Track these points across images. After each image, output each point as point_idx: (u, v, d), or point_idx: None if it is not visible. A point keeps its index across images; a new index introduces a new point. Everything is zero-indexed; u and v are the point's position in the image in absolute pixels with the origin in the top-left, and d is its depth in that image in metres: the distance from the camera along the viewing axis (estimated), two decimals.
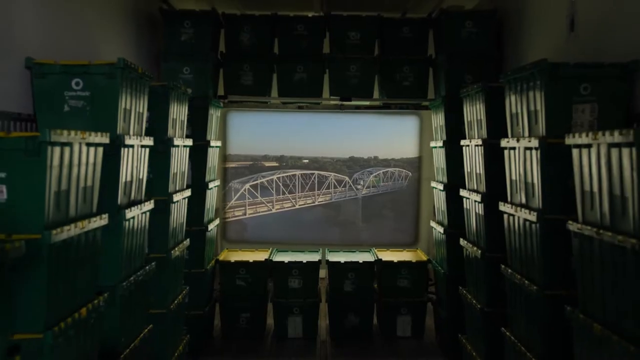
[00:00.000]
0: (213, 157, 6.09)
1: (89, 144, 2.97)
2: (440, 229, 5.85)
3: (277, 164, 8.45)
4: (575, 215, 2.97)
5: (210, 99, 5.83)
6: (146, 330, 3.97)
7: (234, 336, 6.20)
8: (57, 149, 2.64)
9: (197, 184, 5.54)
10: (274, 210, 8.55)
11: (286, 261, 6.20)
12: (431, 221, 6.36)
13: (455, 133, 5.46)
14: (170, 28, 5.92)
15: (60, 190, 2.71)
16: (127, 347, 3.58)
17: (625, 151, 2.44)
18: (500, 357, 4.17)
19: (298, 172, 8.50)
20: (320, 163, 8.46)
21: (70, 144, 2.76)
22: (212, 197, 6.10)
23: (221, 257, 6.33)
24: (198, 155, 5.55)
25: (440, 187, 5.85)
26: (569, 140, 2.94)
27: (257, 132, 8.14)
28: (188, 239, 5.08)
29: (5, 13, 3.30)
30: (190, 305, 5.32)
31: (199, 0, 6.41)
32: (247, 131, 8.09)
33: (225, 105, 6.54)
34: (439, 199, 6.01)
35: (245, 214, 8.38)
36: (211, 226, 5.97)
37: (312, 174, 8.52)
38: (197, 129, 5.59)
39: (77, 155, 2.84)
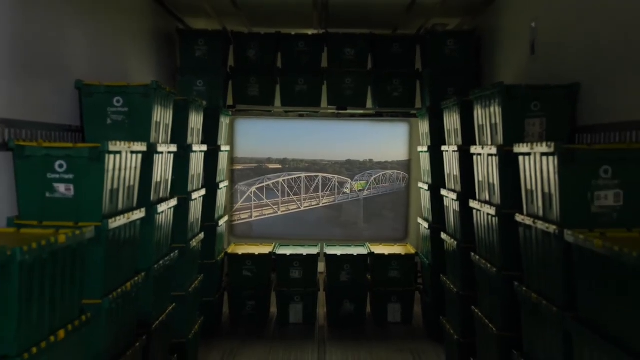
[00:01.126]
0: (223, 160, 6.86)
1: (132, 152, 3.74)
2: (426, 225, 6.62)
3: (280, 166, 9.18)
4: (522, 209, 3.74)
5: (221, 109, 6.60)
6: (170, 308, 4.74)
7: (240, 321, 6.96)
8: (112, 156, 3.42)
9: (209, 184, 6.30)
10: (279, 213, 9.22)
11: (288, 254, 6.96)
12: (418, 218, 7.13)
13: (438, 139, 6.21)
14: (186, 45, 6.70)
15: (113, 189, 3.48)
16: (157, 320, 4.35)
17: (551, 159, 3.22)
18: (472, 332, 4.94)
19: (303, 175, 9.15)
20: (320, 165, 9.19)
21: (120, 152, 3.53)
22: (222, 196, 6.87)
23: (229, 250, 7.09)
24: (210, 158, 6.30)
25: (426, 187, 6.62)
26: (516, 149, 3.71)
27: (262, 137, 8.88)
28: (202, 233, 5.86)
29: (60, 44, 4.07)
30: (203, 292, 6.07)
31: (210, 20, 7.17)
32: (253, 137, 8.84)
33: (233, 114, 7.31)
34: (425, 197, 6.78)
35: (251, 216, 9.05)
36: (221, 222, 6.74)
37: (317, 176, 9.22)
38: (209, 135, 6.32)
39: (124, 161, 3.62)
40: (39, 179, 3.32)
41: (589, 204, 3.13)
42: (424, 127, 6.81)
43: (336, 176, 9.24)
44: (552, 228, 3.18)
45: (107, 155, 3.35)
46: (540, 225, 3.35)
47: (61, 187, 3.33)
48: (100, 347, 3.35)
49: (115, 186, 3.53)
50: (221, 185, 6.70)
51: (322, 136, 8.96)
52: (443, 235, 5.84)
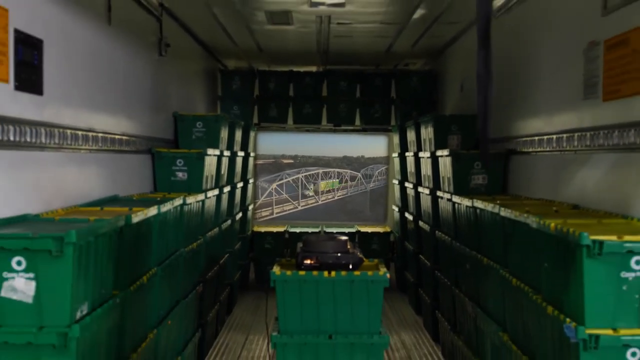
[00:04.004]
0: (251, 162, 9.74)
1: (213, 155, 6.61)
2: (397, 209, 9.50)
3: (292, 161, 11.19)
4: (440, 188, 6.62)
5: (250, 126, 9.48)
6: (226, 256, 7.58)
7: (262, 281, 9.75)
8: (207, 157, 6.29)
9: (244, 179, 9.17)
10: (300, 208, 10.94)
11: (297, 231, 9.81)
12: (393, 205, 10.01)
13: (404, 148, 9.10)
14: (225, 80, 9.62)
15: (206, 176, 6.35)
16: (221, 259, 7.21)
17: (449, 158, 6.09)
18: (421, 276, 7.79)
19: (320, 170, 10.89)
20: (324, 160, 11.24)
21: (209, 155, 6.40)
22: (250, 188, 9.75)
23: (255, 229, 9.94)
24: (244, 161, 9.17)
25: (397, 182, 9.51)
26: (437, 153, 6.59)
27: (278, 146, 11.46)
28: (241, 212, 8.73)
29: (167, 90, 6.94)
30: (239, 256, 8.91)
31: (240, 59, 10.06)
32: (271, 145, 11.43)
33: (258, 129, 10.20)
34: (396, 190, 9.67)
35: (272, 213, 10.78)
36: (250, 207, 9.61)
37: (332, 171, 10.97)
38: (243, 144, 9.19)
39: (210, 160, 6.49)
40: (167, 170, 6.18)
41: (468, 183, 6.01)
42: (396, 139, 9.70)
43: (349, 171, 11.12)
44: (447, 195, 6.06)
45: (205, 157, 6.22)
46: (445, 195, 6.23)
47: (179, 174, 6.19)
48: (204, 262, 6.19)
49: (207, 174, 6.40)
50: (250, 180, 9.59)
51: (322, 144, 11.52)
52: (406, 214, 8.71)
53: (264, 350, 6.62)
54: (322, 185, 11.06)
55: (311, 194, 11.04)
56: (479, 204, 4.94)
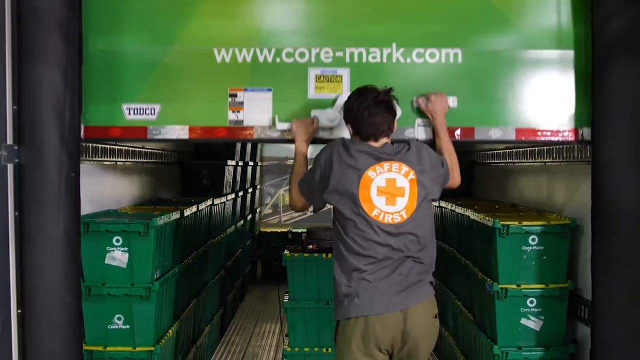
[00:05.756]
0: (258, 171, 11.24)
1: (230, 165, 8.10)
2: None
3: None
4: None
5: None
6: (239, 251, 9.06)
7: (268, 277, 11.20)
8: (226, 167, 7.77)
9: (252, 185, 10.66)
10: (308, 214, 11.46)
11: (299, 231, 11.26)
12: None
13: None
14: None
15: (226, 182, 7.84)
16: (236, 252, 8.68)
17: None
18: None
19: None
20: None
21: (228, 165, 7.89)
22: (258, 193, 11.25)
23: (261, 229, 11.42)
24: (252, 169, 10.66)
25: None
26: None
27: (282, 148, 12.44)
28: (251, 214, 10.22)
29: None
30: (249, 253, 10.39)
31: None
32: (276, 148, 12.47)
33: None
34: None
35: (280, 221, 11.62)
36: (258, 209, 11.10)
37: None
38: (252, 155, 10.68)
39: (228, 170, 7.98)
40: (194, 177, 7.66)
41: None
42: None
43: None
44: None
45: (225, 167, 7.71)
46: None
47: (204, 181, 7.69)
48: (224, 252, 7.66)
49: (226, 181, 7.89)
50: (258, 186, 11.09)
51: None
52: None
53: (273, 327, 8.09)
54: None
55: (269, 210, 11.80)
56: (443, 204, 6.42)
